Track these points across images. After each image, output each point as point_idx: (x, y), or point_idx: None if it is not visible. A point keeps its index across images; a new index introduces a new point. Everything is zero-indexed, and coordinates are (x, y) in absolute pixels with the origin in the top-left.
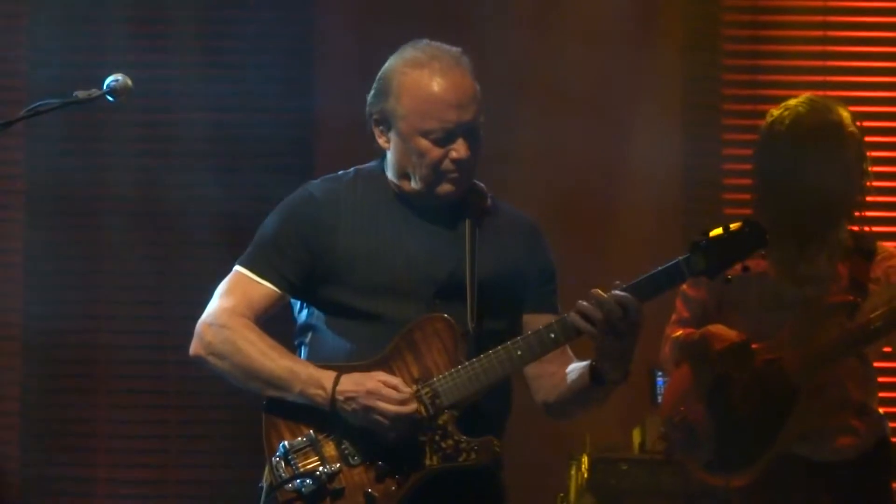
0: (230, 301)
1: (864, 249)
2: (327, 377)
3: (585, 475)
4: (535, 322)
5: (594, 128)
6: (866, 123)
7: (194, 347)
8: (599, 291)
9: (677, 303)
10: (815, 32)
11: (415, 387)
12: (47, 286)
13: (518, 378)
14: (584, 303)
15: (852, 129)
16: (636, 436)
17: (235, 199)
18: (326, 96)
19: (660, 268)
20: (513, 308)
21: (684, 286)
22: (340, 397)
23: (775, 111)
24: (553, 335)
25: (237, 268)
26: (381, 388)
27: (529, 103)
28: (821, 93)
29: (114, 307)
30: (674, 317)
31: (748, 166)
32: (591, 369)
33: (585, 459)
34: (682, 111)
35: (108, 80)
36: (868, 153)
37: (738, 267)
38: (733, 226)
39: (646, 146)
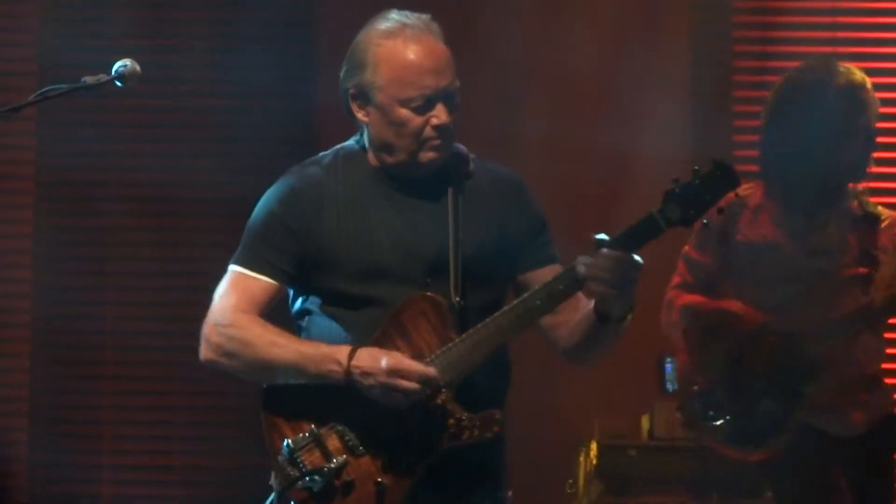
0: (232, 299)
1: (870, 215)
2: (342, 352)
3: (594, 462)
4: (540, 277)
5: (603, 115)
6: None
7: (204, 352)
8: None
9: (680, 265)
10: (824, 18)
11: None
12: (56, 273)
13: (517, 359)
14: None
15: (872, 92)
16: (645, 422)
17: (244, 187)
18: (331, 84)
19: (635, 222)
20: (504, 275)
21: (687, 248)
22: (357, 371)
23: (793, 73)
24: (539, 302)
25: (232, 267)
26: (401, 364)
27: (537, 91)
28: None
29: (121, 294)
30: (676, 279)
31: (759, 153)
32: (596, 309)
33: (594, 446)
34: (692, 97)
35: (117, 66)
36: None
37: (713, 211)
38: (703, 170)
39: (655, 133)
